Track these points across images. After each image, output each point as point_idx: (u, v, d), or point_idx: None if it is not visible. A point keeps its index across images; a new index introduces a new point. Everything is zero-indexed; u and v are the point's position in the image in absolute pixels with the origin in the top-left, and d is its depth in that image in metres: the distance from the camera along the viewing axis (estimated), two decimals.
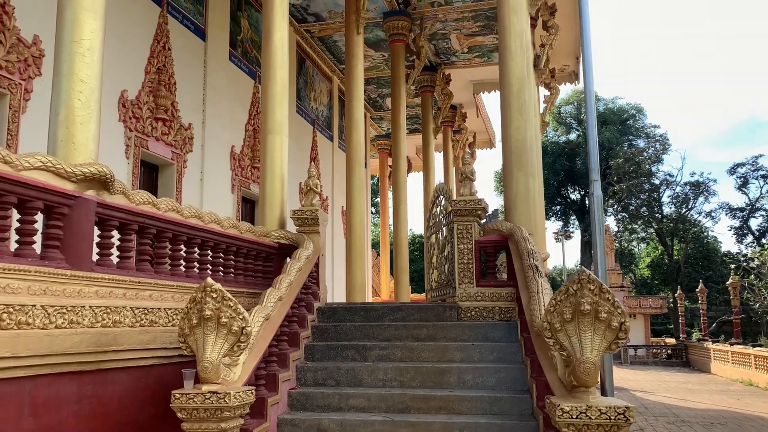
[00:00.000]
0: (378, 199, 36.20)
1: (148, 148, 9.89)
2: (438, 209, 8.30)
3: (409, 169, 27.20)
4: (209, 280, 4.45)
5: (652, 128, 49.98)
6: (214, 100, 11.79)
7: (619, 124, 51.08)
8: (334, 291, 17.31)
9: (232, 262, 6.66)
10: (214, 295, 4.45)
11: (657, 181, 45.23)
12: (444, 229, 7.93)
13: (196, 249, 5.90)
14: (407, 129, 19.22)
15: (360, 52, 11.26)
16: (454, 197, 7.39)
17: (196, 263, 5.86)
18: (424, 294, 24.37)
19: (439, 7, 14.56)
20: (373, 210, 39.41)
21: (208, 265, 6.16)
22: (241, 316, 4.48)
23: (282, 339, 5.94)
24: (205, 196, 11.40)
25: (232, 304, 4.47)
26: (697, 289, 30.54)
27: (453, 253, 7.24)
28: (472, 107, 21.30)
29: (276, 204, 7.67)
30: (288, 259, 7.13)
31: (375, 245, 32.74)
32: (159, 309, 5.07)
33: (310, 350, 6.47)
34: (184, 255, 5.79)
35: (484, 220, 7.23)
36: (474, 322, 6.68)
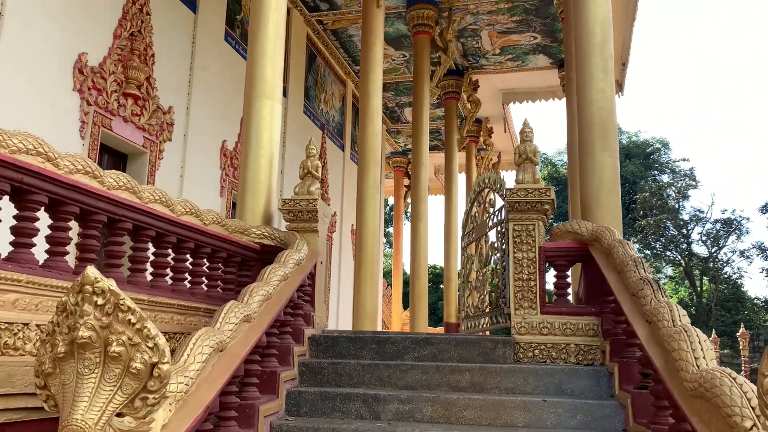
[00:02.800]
0: (391, 229, 33.95)
1: (112, 128, 7.88)
2: (479, 209, 6.17)
3: (428, 193, 25.15)
4: (90, 271, 2.34)
5: (680, 161, 47.81)
6: (202, 84, 9.82)
7: (643, 158, 49.01)
8: (339, 320, 15.11)
9: (187, 264, 4.57)
10: (100, 301, 2.34)
11: (686, 217, 42.87)
12: (490, 234, 5.79)
13: (117, 236, 3.80)
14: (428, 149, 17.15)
15: (380, 29, 9.28)
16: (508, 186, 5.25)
17: (113, 258, 3.76)
18: (440, 328, 22.06)
19: None
20: (384, 241, 37.19)
21: (142, 265, 4.06)
22: (150, 343, 2.37)
23: (249, 383, 3.79)
24: (186, 196, 9.34)
25: (134, 320, 2.36)
26: (738, 333, 27.94)
27: (506, 266, 5.10)
28: (499, 122, 19.26)
29: (260, 192, 5.58)
30: None
31: (386, 275, 30.52)
32: (25, 325, 2.95)
33: (294, 399, 4.30)
34: (92, 243, 3.70)
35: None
36: (539, 366, 4.49)
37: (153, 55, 8.68)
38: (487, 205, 5.89)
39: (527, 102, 17.42)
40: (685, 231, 42.30)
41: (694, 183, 45.77)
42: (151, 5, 8.69)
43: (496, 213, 5.55)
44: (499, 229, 5.42)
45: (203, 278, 4.79)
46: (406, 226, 20.88)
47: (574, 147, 8.30)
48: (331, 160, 15.37)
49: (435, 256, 54.02)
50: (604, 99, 5.20)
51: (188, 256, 4.57)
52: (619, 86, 16.24)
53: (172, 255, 4.44)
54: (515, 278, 4.90)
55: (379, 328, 20.60)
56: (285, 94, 12.76)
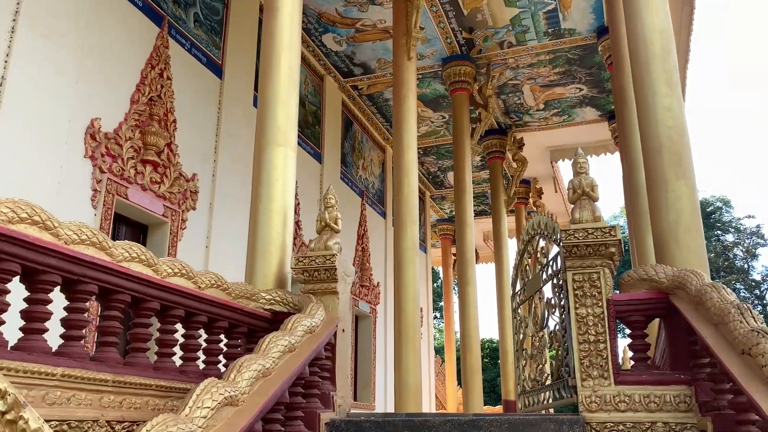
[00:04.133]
0: (442, 303, 32.61)
1: (128, 197, 7.38)
2: (530, 260, 5.26)
3: (477, 260, 24.10)
4: None
5: (744, 219, 45.41)
6: (229, 150, 9.35)
7: (704, 217, 46.88)
8: (387, 401, 13.97)
9: (175, 336, 3.79)
10: None
11: (757, 277, 40.20)
12: (545, 289, 4.85)
13: (87, 303, 3.08)
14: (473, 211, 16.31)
15: (412, 80, 8.70)
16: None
17: (90, 333, 3.01)
18: (499, 406, 20.45)
19: (510, 48, 12.09)
20: (438, 315, 35.76)
21: (110, 337, 3.30)
22: None
23: None
24: (213, 268, 8.69)
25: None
26: None
27: (567, 327, 4.15)
28: (549, 182, 18.35)
29: (272, 252, 4.84)
30: None
31: (439, 351, 29.06)
32: None
33: None
34: (69, 317, 3.01)
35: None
36: None
37: (174, 121, 8.28)
38: (539, 254, 4.97)
39: None
40: (757, 292, 39.62)
41: (762, 241, 43.36)
42: (173, 70, 8.36)
43: (551, 263, 4.63)
44: (555, 281, 4.48)
45: (198, 353, 3.99)
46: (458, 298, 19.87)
47: (633, 182, 7.36)
48: (372, 227, 14.67)
49: (490, 329, 51.85)
50: (672, 117, 4.33)
51: (177, 326, 3.80)
52: None
53: (155, 325, 3.68)
54: (579, 341, 3.93)
55: (433, 409, 19.20)
56: (320, 160, 12.27)
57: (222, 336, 4.24)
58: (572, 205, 4.24)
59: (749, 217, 45.80)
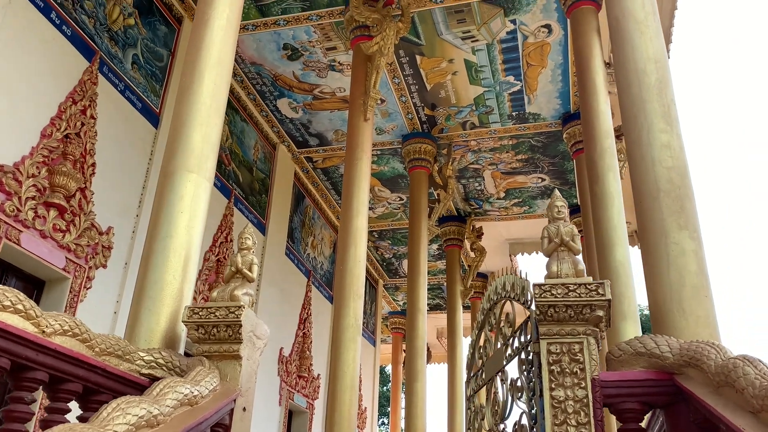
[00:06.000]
0: (389, 409, 30.52)
1: (20, 242, 6.20)
2: (491, 333, 4.26)
3: (429, 359, 22.80)
4: None
5: None
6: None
7: None
8: None
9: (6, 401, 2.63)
10: None
11: None
12: (510, 368, 3.84)
13: None
14: (426, 297, 15.33)
15: (368, 142, 7.95)
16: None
17: None
18: None
19: (472, 129, 11.61)
20: (384, 420, 33.59)
21: None
22: None
23: None
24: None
25: None
26: None
27: (538, 415, 3.12)
28: None
29: (164, 300, 3.76)
30: None
31: None
32: None
33: None
34: None
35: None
36: None
37: (93, 165, 7.26)
38: (503, 324, 4.00)
39: (537, 253, 15.87)
40: None
41: None
42: (99, 110, 7.44)
43: (517, 333, 3.66)
44: (524, 356, 3.48)
45: (29, 424, 2.82)
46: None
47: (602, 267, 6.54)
48: (317, 312, 13.49)
49: None
50: (672, 157, 3.57)
51: None
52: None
53: None
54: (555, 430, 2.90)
55: None
56: (264, 232, 11.27)
57: (72, 404, 3.09)
58: (548, 257, 3.33)
59: None
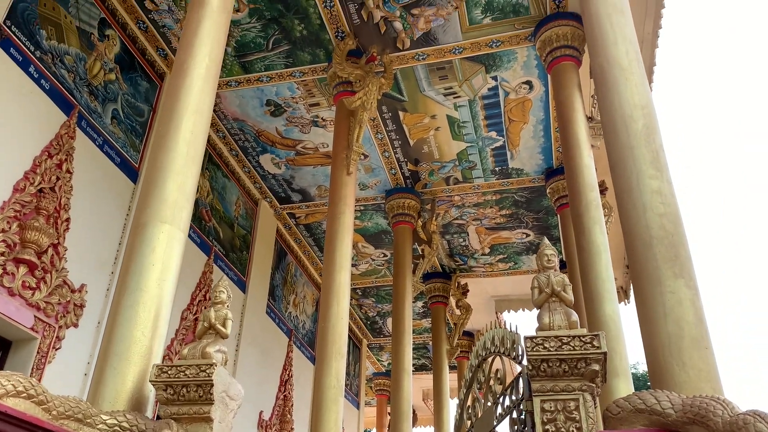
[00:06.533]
0: None
1: None
2: (480, 393, 4.03)
3: (415, 422, 22.14)
4: None
5: None
6: None
7: None
8: None
9: None
10: None
11: None
12: (502, 429, 3.60)
13: None
14: (411, 356, 14.96)
15: (350, 196, 7.84)
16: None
17: None
18: None
19: (456, 184, 11.58)
20: None
21: None
22: None
23: None
24: None
25: None
26: None
27: None
28: None
29: (132, 358, 3.52)
30: None
31: None
32: None
33: None
34: None
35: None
36: None
37: (68, 220, 7.05)
38: (492, 381, 3.78)
39: (523, 311, 15.66)
40: None
41: None
42: (76, 164, 7.28)
43: (508, 391, 3.44)
44: (516, 415, 3.26)
45: None
46: None
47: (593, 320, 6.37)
48: (299, 373, 13.06)
49: None
50: (664, 203, 3.46)
51: None
52: (625, 293, 14.61)
53: None
54: None
55: None
56: (245, 289, 10.99)
57: None
58: (539, 308, 3.17)
59: None
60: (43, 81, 6.89)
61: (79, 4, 7.48)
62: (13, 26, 6.47)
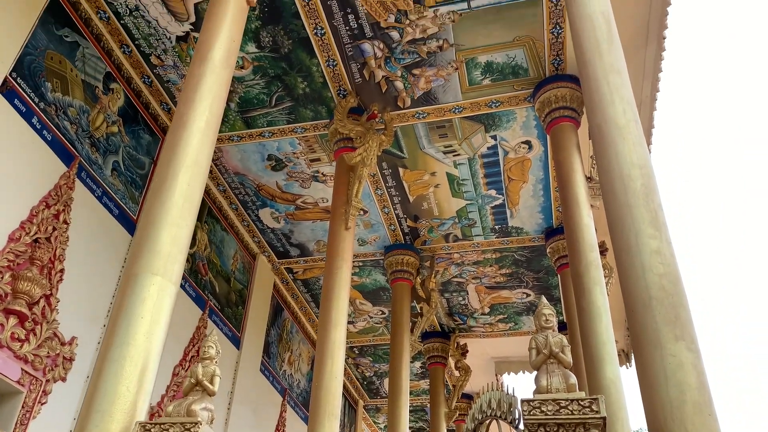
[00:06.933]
0: None
1: None
2: None
3: None
4: None
5: None
6: None
7: None
8: None
9: None
10: None
11: None
12: None
13: None
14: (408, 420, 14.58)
15: (348, 251, 7.78)
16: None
17: None
18: None
19: (455, 242, 11.53)
20: None
21: None
22: None
23: None
24: None
25: None
26: None
27: None
28: None
29: (116, 416, 3.39)
30: None
31: None
32: None
33: None
34: None
35: None
36: None
37: (62, 271, 6.98)
38: None
39: (524, 373, 15.35)
40: None
41: None
42: (74, 215, 7.26)
43: None
44: None
45: None
46: None
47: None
48: None
49: None
50: (663, 263, 3.39)
51: None
52: (627, 356, 14.34)
53: None
54: None
55: None
56: (239, 345, 10.80)
57: None
58: (537, 370, 3.07)
59: None
60: (45, 132, 6.94)
61: (86, 58, 7.61)
62: (18, 78, 6.57)
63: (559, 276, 11.00)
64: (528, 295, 13.03)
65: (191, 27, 7.92)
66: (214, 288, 10.15)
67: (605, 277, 8.64)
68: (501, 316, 13.75)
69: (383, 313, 13.65)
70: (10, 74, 6.46)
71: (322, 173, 10.17)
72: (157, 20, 7.86)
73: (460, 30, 7.81)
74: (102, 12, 7.71)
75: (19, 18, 6.62)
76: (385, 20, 7.74)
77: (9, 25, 6.47)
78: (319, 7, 7.55)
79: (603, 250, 9.82)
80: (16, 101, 6.54)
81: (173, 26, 7.93)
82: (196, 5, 7.68)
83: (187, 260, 9.12)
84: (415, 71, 8.35)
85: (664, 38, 7.81)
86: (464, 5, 7.53)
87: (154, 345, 3.68)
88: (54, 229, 6.94)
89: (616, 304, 11.94)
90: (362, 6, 7.58)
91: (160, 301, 3.80)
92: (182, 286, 9.38)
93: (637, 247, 3.51)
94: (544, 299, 3.48)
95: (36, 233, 6.69)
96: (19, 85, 6.58)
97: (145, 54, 8.27)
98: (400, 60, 8.22)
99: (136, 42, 8.11)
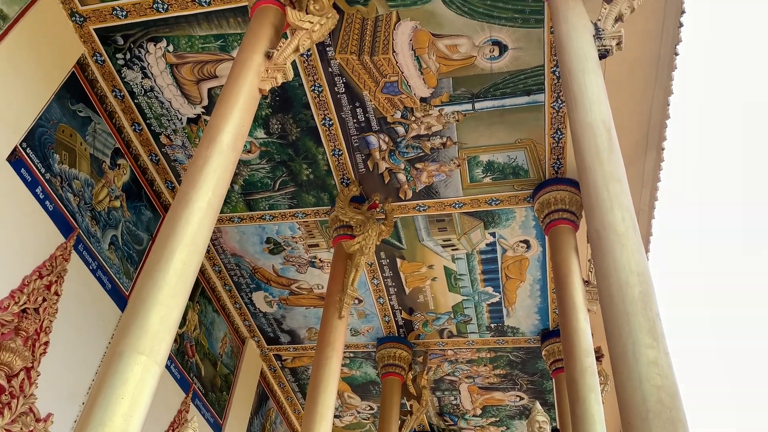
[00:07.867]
0: None
1: None
2: None
3: None
4: None
5: None
6: None
7: None
8: None
9: None
10: None
11: None
12: None
13: None
14: None
15: (339, 341, 7.63)
16: None
17: None
18: None
19: (450, 338, 11.34)
20: None
21: None
22: None
23: None
24: None
25: None
26: None
27: None
28: None
29: None
30: None
31: None
32: None
33: None
34: None
35: None
36: None
37: (46, 344, 6.82)
38: None
39: None
40: None
41: None
42: (66, 287, 7.17)
43: None
44: None
45: None
46: None
47: None
48: None
49: None
50: (660, 375, 3.29)
51: None
52: None
53: None
54: None
55: None
56: None
57: None
58: None
59: None
60: (47, 202, 6.98)
61: (97, 134, 7.77)
62: (28, 148, 6.68)
63: (553, 380, 10.73)
64: (521, 398, 12.66)
65: (203, 110, 8.14)
66: (199, 371, 9.88)
67: (601, 384, 8.41)
68: (493, 419, 13.31)
69: (372, 408, 13.22)
70: (20, 144, 6.57)
71: (320, 259, 10.15)
72: (170, 101, 8.08)
73: (463, 129, 8.03)
74: (117, 90, 7.95)
75: (36, 91, 6.81)
76: (392, 116, 7.96)
77: (25, 97, 6.65)
78: (329, 99, 7.80)
79: (599, 356, 9.62)
80: (22, 170, 6.62)
81: (185, 108, 8.15)
82: (209, 90, 7.92)
83: (175, 340, 8.93)
84: (418, 165, 8.51)
85: (663, 149, 8.01)
86: (469, 107, 7.77)
87: (132, 428, 3.53)
88: (44, 299, 6.83)
89: (611, 412, 11.57)
90: (371, 101, 7.82)
91: (143, 382, 3.68)
92: (167, 367, 9.15)
93: (634, 356, 3.43)
94: (537, 405, 3.39)
95: (25, 303, 6.58)
96: (27, 155, 6.68)
97: (155, 133, 8.45)
98: (404, 153, 8.40)
99: (148, 121, 8.32)
